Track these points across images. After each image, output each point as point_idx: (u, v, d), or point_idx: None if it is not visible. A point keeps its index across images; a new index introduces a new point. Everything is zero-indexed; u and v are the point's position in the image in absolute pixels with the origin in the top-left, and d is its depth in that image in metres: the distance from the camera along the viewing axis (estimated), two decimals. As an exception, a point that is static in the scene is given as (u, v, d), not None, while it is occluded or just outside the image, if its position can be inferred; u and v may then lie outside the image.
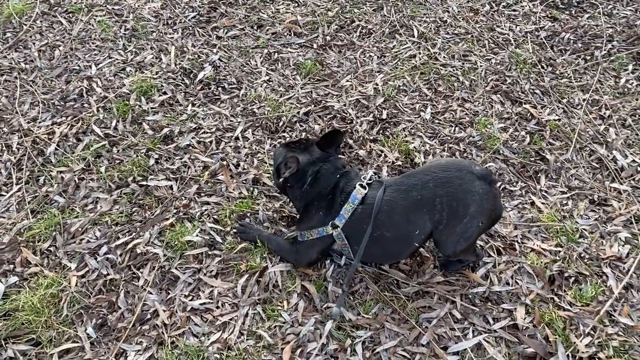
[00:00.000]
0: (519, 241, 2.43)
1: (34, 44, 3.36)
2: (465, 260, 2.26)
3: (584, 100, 3.13)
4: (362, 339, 2.06)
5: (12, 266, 2.25)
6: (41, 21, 3.53)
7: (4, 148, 2.75)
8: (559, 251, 2.39)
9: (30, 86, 3.09)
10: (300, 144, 2.27)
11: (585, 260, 2.36)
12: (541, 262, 2.35)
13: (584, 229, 2.50)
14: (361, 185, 2.10)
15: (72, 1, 3.67)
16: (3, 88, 3.08)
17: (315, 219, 2.15)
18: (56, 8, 3.62)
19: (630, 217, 2.55)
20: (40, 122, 2.88)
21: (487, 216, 2.01)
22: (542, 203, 2.61)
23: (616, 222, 2.54)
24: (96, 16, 3.57)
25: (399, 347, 2.05)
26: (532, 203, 2.62)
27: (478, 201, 1.95)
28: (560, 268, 2.32)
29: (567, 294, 2.24)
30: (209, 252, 2.33)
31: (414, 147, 2.80)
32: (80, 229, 2.40)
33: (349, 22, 3.60)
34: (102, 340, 2.05)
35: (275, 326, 2.10)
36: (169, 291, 2.21)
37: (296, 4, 3.76)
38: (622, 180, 2.72)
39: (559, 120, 3.01)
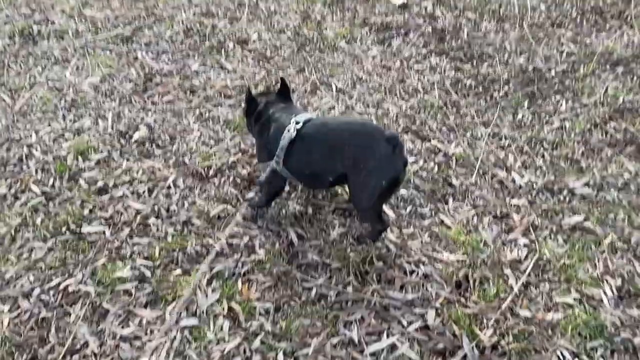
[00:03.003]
0: (430, 254, 2.66)
1: (-24, 119, 3.57)
2: (375, 228, 2.60)
3: (485, 133, 3.50)
4: (284, 349, 2.19)
5: (-56, 314, 2.33)
6: (-16, 99, 3.75)
7: (-57, 211, 2.88)
8: (465, 260, 2.62)
9: (-29, 156, 3.26)
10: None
11: (489, 265, 2.60)
12: (449, 270, 2.56)
13: (487, 240, 2.75)
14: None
15: (15, 81, 3.92)
16: (-56, 159, 3.24)
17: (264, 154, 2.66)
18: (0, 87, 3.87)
19: (528, 226, 2.82)
20: (-21, 187, 3.03)
21: (386, 174, 2.36)
22: (450, 221, 2.87)
23: (516, 231, 2.81)
24: (38, 92, 3.82)
25: (319, 352, 2.19)
26: (442, 222, 2.87)
27: (378, 158, 2.33)
28: (465, 273, 2.54)
29: (472, 295, 2.45)
30: (139, 286, 2.46)
31: (333, 182, 3.06)
32: (14, 275, 2.51)
33: (274, 82, 3.96)
34: (32, 373, 2.12)
35: (201, 346, 2.22)
36: (99, 323, 2.31)
37: (227, 71, 4.11)
38: (520, 196, 3.02)
39: (464, 151, 3.34)
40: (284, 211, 2.89)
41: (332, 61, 4.22)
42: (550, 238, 2.77)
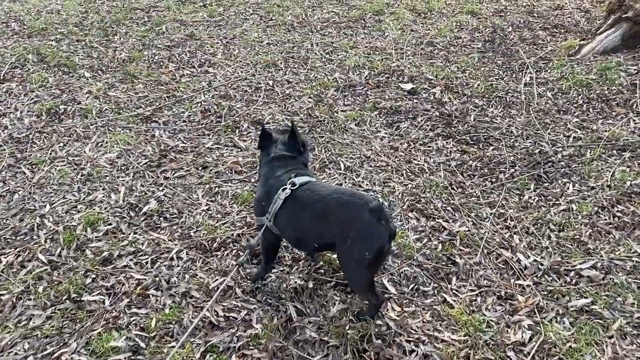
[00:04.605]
0: (431, 333, 2.59)
1: (-5, 190, 3.71)
2: (371, 302, 2.59)
3: (491, 214, 3.50)
4: None
5: None
6: (6, 172, 3.91)
7: (-50, 277, 2.94)
8: (467, 340, 2.54)
9: (-14, 225, 3.36)
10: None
11: (491, 346, 2.51)
12: (450, 351, 2.49)
13: (491, 320, 2.68)
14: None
15: (37, 155, 4.10)
16: (-40, 227, 3.34)
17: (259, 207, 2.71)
18: (21, 161, 4.04)
19: (533, 307, 2.75)
20: (-12, 254, 3.10)
21: (369, 244, 2.35)
22: (453, 300, 2.82)
23: (521, 313, 2.73)
24: (57, 166, 3.98)
25: None
26: (444, 300, 2.82)
27: (361, 228, 2.34)
28: (467, 354, 2.46)
29: (473, 377, 2.36)
30: (132, 357, 2.43)
31: (336, 256, 3.05)
32: (9, 342, 2.51)
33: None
34: None
35: (189, 422, 2.15)
36: (88, 395, 2.27)
37: (239, 149, 4.25)
38: (525, 277, 2.97)
39: (469, 230, 3.33)
40: (284, 285, 2.88)
41: (342, 141, 4.34)
42: (556, 321, 2.69)
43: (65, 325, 2.61)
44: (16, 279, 2.89)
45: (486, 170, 3.99)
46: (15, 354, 2.46)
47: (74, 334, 2.56)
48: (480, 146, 4.33)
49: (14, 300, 2.76)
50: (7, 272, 2.96)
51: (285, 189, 2.56)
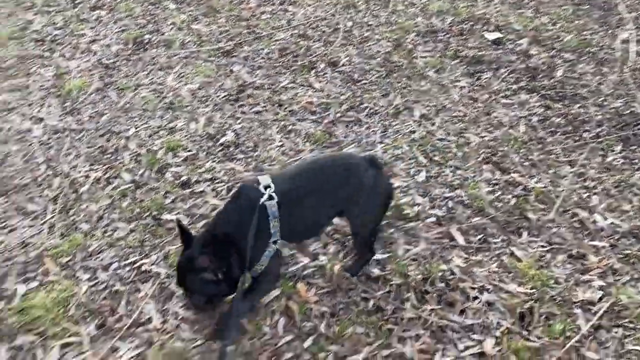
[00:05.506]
0: (496, 283, 2.58)
1: (86, 111, 3.93)
2: (364, 255, 2.59)
3: (570, 172, 3.36)
4: (335, 352, 2.21)
5: (34, 274, 2.57)
6: (95, 95, 4.13)
7: (47, 186, 3.19)
8: (533, 293, 2.52)
9: (77, 142, 3.59)
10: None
11: (557, 302, 2.48)
12: (514, 302, 2.48)
13: (559, 277, 2.63)
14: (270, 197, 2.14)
15: (123, 81, 4.29)
16: (55, 143, 3.60)
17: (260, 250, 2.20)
18: (109, 85, 4.25)
19: (607, 269, 2.67)
20: (79, 169, 3.33)
21: (380, 195, 2.42)
22: (522, 254, 2.78)
23: (592, 273, 2.66)
24: (141, 93, 4.15)
25: (368, 362, 2.18)
26: (512, 253, 2.79)
27: (371, 183, 2.34)
28: (531, 307, 2.44)
29: (536, 329, 2.35)
30: (205, 274, 2.58)
31: (404, 202, 3.06)
32: (97, 248, 2.73)
33: (358, 103, 4.05)
34: (100, 337, 2.28)
35: (256, 337, 2.29)
36: (165, 303, 2.45)
37: (314, 90, 4.26)
38: (601, 238, 2.87)
39: (545, 187, 3.23)
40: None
41: (419, 88, 4.25)
42: (631, 285, 2.60)
43: (147, 239, 2.80)
44: (103, 193, 3.11)
45: (570, 128, 3.81)
46: (102, 260, 2.68)
47: (154, 247, 2.74)
48: (566, 103, 4.11)
49: (101, 213, 2.97)
50: (95, 186, 3.18)
51: (266, 195, 2.15)
